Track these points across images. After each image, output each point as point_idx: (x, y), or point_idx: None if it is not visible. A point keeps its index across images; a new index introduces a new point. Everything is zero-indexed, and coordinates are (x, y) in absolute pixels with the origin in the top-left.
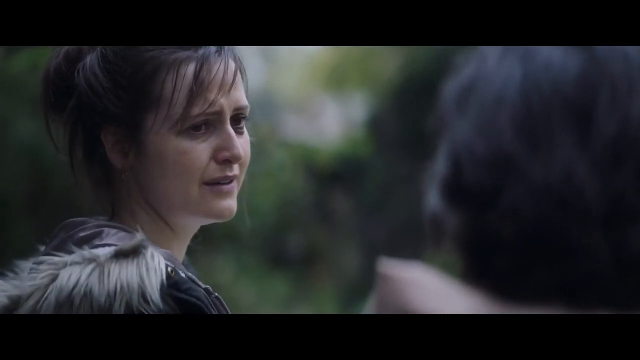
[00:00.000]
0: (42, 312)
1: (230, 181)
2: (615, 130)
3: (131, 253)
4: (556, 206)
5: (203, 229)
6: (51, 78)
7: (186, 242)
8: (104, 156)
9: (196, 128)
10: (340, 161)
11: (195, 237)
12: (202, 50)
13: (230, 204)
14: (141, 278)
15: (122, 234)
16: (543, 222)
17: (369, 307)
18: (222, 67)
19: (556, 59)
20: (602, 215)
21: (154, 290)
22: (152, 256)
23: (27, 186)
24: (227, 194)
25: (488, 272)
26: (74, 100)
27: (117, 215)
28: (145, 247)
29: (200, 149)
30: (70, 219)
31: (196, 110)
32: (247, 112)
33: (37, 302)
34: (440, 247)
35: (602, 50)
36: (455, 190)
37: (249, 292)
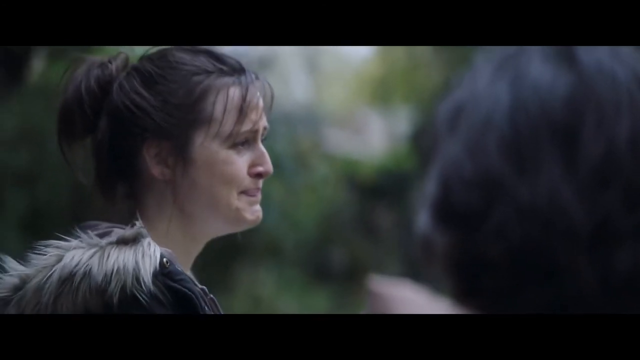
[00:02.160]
0: (46, 289)
1: (258, 191)
2: (602, 153)
3: (131, 240)
4: (542, 228)
5: (245, 243)
6: (85, 100)
7: (194, 256)
8: (139, 168)
9: (239, 144)
10: (383, 175)
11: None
12: (243, 77)
13: (260, 209)
14: (136, 262)
15: None
16: (530, 244)
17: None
18: (260, 92)
19: (544, 80)
20: (588, 237)
21: (147, 275)
22: (149, 244)
23: (67, 197)
24: (257, 202)
25: (476, 292)
26: (107, 119)
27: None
28: (144, 236)
29: (242, 162)
30: (87, 221)
31: (244, 128)
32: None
33: (42, 279)
34: (430, 267)
35: (590, 70)
36: (444, 210)
37: (291, 306)
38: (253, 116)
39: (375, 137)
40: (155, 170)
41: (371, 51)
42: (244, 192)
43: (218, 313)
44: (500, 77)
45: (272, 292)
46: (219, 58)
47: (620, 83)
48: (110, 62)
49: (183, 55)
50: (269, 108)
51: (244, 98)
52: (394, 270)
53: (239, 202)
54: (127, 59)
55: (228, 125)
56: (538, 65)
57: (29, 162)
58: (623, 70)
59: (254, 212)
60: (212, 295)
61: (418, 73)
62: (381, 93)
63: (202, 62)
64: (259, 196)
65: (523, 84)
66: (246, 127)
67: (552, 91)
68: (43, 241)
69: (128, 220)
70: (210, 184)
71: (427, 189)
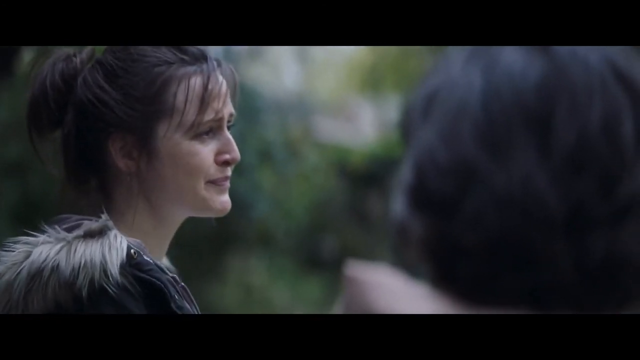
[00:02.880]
0: (16, 285)
1: (227, 180)
2: (575, 139)
3: (97, 234)
4: (517, 214)
5: (236, 232)
6: (49, 95)
7: (169, 239)
8: (105, 162)
9: (203, 133)
10: (374, 163)
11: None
12: (205, 65)
13: (228, 199)
14: (103, 255)
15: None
16: (505, 230)
17: (337, 309)
18: (222, 79)
19: (517, 67)
20: (562, 224)
21: (114, 267)
22: (115, 237)
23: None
24: (225, 191)
25: (453, 278)
26: (72, 114)
27: (109, 216)
28: (110, 229)
29: (207, 151)
30: (58, 216)
31: (206, 117)
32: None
33: (11, 276)
34: (407, 253)
35: (563, 57)
36: (420, 197)
37: (284, 294)
38: (215, 104)
39: (365, 125)
40: (121, 163)
41: None
42: (211, 181)
43: (190, 301)
44: (473, 63)
45: (263, 281)
46: (180, 48)
47: (593, 69)
48: (75, 55)
49: (144, 47)
50: (233, 94)
51: (205, 87)
52: (385, 257)
53: (206, 191)
54: (93, 52)
55: (190, 115)
56: (511, 51)
57: (20, 153)
58: (596, 57)
59: (221, 202)
60: (183, 284)
61: (408, 61)
62: (372, 81)
63: (163, 52)
64: (227, 184)
65: (496, 70)
66: (209, 116)
67: (525, 77)
68: (11, 238)
69: (100, 213)
70: (174, 176)
71: (403, 176)
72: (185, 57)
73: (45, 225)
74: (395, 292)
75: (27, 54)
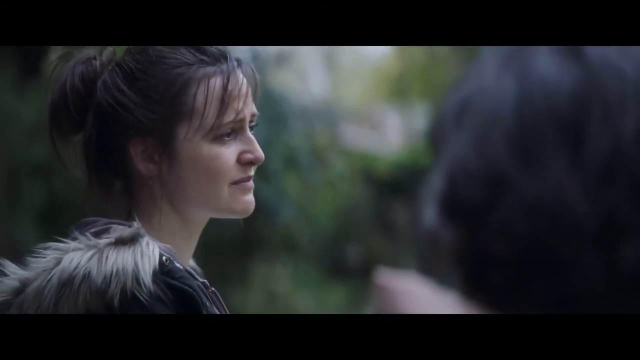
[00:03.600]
0: (46, 292)
1: (250, 179)
2: (607, 148)
3: (129, 241)
4: (548, 223)
5: (261, 238)
6: (69, 98)
7: (196, 239)
8: (128, 165)
9: (224, 135)
10: (400, 170)
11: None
12: (225, 65)
13: (252, 198)
14: (135, 263)
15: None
16: (535, 239)
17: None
18: (243, 79)
19: (550, 74)
20: (593, 233)
21: (146, 275)
22: (148, 244)
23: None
24: (250, 190)
25: (482, 287)
26: (93, 117)
27: (132, 220)
28: (142, 236)
29: (228, 153)
30: (85, 218)
31: (226, 119)
32: (256, 117)
33: (42, 282)
34: (437, 262)
35: (596, 64)
36: (451, 205)
37: (308, 301)
38: (236, 105)
39: (392, 132)
40: (142, 166)
41: (389, 48)
42: (234, 182)
43: (220, 306)
44: (507, 71)
45: (288, 288)
46: (199, 48)
47: (627, 77)
48: (95, 58)
49: (163, 49)
50: (254, 94)
51: (225, 87)
52: (409, 265)
53: (230, 194)
54: (113, 54)
55: (210, 117)
56: (544, 59)
57: (45, 155)
58: (630, 65)
59: (245, 202)
60: (213, 289)
61: (435, 69)
62: (398, 89)
63: (182, 54)
64: (251, 184)
65: (529, 78)
66: (229, 117)
67: (558, 85)
68: (41, 244)
69: (125, 216)
70: (196, 179)
71: (434, 184)
72: (205, 58)
73: (75, 231)
74: (425, 300)
75: (55, 57)
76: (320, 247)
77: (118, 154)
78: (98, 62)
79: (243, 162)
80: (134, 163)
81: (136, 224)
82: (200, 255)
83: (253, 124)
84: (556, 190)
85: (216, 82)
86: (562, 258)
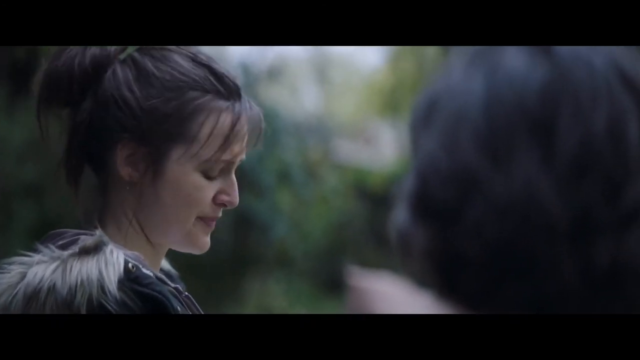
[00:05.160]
0: (13, 307)
1: (214, 221)
2: (578, 144)
3: (92, 250)
4: (520, 222)
5: (255, 254)
6: (75, 76)
7: (162, 256)
8: (109, 163)
9: (213, 171)
10: (394, 184)
11: None
12: (238, 104)
13: (208, 241)
14: (100, 272)
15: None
16: (507, 239)
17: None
18: (247, 123)
19: (519, 71)
20: (566, 230)
21: (112, 283)
22: (112, 252)
23: (75, 209)
24: (209, 232)
25: (455, 287)
26: (91, 103)
27: (102, 223)
28: (105, 244)
29: (210, 188)
30: (53, 230)
31: (224, 157)
32: None
33: (8, 298)
34: (409, 262)
35: (566, 60)
36: (421, 205)
37: None
38: (236, 148)
39: (385, 147)
40: (124, 171)
41: (380, 62)
42: (202, 218)
43: (196, 310)
44: (475, 68)
45: (282, 303)
46: (218, 77)
47: (598, 72)
48: (113, 52)
49: (184, 64)
50: (255, 141)
51: (232, 127)
52: (405, 280)
53: (194, 227)
54: (135, 54)
55: (209, 150)
56: (512, 56)
57: (36, 175)
58: (601, 59)
59: (203, 242)
60: (187, 293)
61: (426, 81)
62: (391, 103)
63: (201, 77)
64: (213, 226)
65: (497, 75)
66: (226, 156)
67: (527, 82)
68: (6, 259)
69: (95, 218)
70: (172, 202)
71: (405, 184)
72: (221, 89)
73: (39, 244)
74: (399, 301)
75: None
76: (315, 263)
77: (104, 150)
78: (113, 50)
79: (217, 202)
80: (116, 164)
81: (98, 232)
82: (194, 271)
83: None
84: (527, 188)
85: (226, 119)
86: (536, 257)
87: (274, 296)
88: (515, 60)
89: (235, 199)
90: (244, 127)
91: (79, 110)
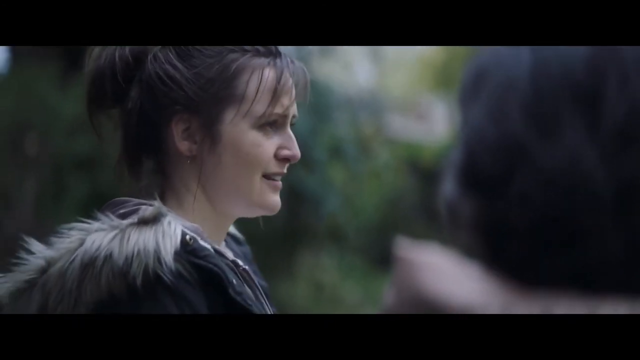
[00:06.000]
0: (69, 273)
1: (280, 176)
2: (625, 115)
3: (151, 220)
4: (565, 192)
5: (307, 229)
6: (118, 68)
7: (226, 229)
8: (167, 141)
9: (268, 126)
10: (446, 160)
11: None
12: (279, 60)
13: (279, 199)
14: (157, 243)
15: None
16: (553, 208)
17: (387, 290)
18: (293, 78)
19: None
20: (611, 201)
21: (168, 254)
22: (169, 223)
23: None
24: (278, 190)
25: (502, 257)
26: (138, 89)
27: (163, 201)
28: (164, 215)
29: (269, 144)
30: (115, 198)
31: (275, 110)
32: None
33: (65, 263)
34: (457, 233)
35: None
36: (469, 176)
37: (354, 292)
38: (285, 100)
39: (437, 122)
40: (182, 145)
41: None
42: (266, 176)
43: (253, 284)
44: None
45: (334, 279)
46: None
47: None
48: None
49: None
50: (304, 94)
51: (278, 80)
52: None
53: (261, 186)
54: None
55: (260, 106)
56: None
57: (89, 148)
58: None
59: (274, 200)
60: (245, 267)
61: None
62: (443, 79)
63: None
64: (280, 185)
65: (544, 47)
66: (278, 110)
67: (574, 53)
68: (66, 224)
69: (158, 196)
70: (234, 164)
71: (453, 156)
72: (260, 49)
73: (99, 212)
74: (445, 272)
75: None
76: (366, 238)
77: (158, 130)
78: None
79: (280, 157)
80: (173, 141)
81: (157, 203)
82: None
83: (292, 125)
84: (573, 158)
85: (269, 74)
86: (581, 227)
87: (326, 270)
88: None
89: (297, 151)
90: (288, 80)
91: (128, 100)
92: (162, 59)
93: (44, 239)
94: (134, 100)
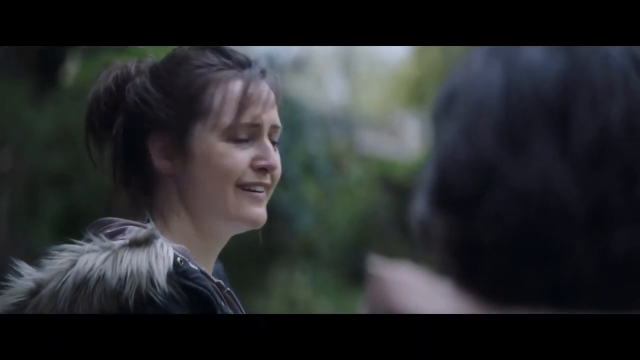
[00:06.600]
0: (62, 294)
1: (262, 190)
2: (595, 133)
3: (143, 242)
4: (537, 211)
5: (280, 245)
6: (102, 98)
7: (214, 254)
8: (148, 162)
9: (240, 138)
10: (418, 176)
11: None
12: (247, 71)
13: (263, 211)
14: (150, 264)
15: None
16: (525, 227)
17: (361, 308)
18: (265, 87)
19: (537, 62)
20: (583, 220)
21: (161, 276)
22: (162, 245)
23: (102, 199)
24: (260, 201)
25: (475, 276)
26: (121, 116)
27: (152, 221)
28: (156, 237)
29: (241, 155)
30: (101, 218)
31: (242, 120)
32: (279, 133)
33: (57, 284)
34: (429, 251)
35: (583, 51)
36: (441, 195)
37: (327, 308)
38: (254, 110)
39: (410, 138)
40: (159, 164)
41: (406, 53)
42: (242, 186)
43: (236, 306)
44: (494, 60)
45: (307, 295)
46: (224, 53)
47: (614, 62)
48: (132, 64)
49: (190, 52)
50: (273, 104)
51: (244, 91)
52: (430, 270)
53: (237, 198)
54: (152, 63)
55: (226, 117)
56: (531, 47)
57: (64, 164)
58: (618, 51)
59: (254, 212)
60: (228, 289)
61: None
62: (417, 94)
63: (208, 57)
64: (262, 195)
65: (516, 66)
66: (245, 119)
67: (545, 72)
68: (57, 246)
69: (146, 216)
70: (206, 177)
71: (424, 174)
72: (228, 62)
73: (89, 232)
74: (418, 290)
75: (72, 66)
76: (340, 254)
77: (140, 152)
78: (134, 68)
79: (255, 167)
80: (152, 161)
81: (150, 225)
82: (220, 261)
83: (275, 137)
84: (545, 178)
85: (235, 85)
86: (554, 246)
87: (299, 287)
88: (533, 51)
89: (273, 160)
90: (256, 90)
91: (114, 127)
92: (138, 84)
93: (17, 254)
94: (118, 126)
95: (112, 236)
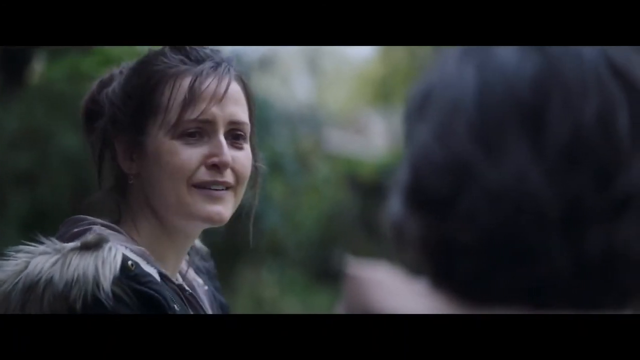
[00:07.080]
0: (13, 296)
1: (222, 188)
2: (569, 134)
3: (93, 246)
4: (512, 211)
5: (246, 244)
6: (87, 105)
7: (183, 250)
8: (117, 163)
9: (189, 135)
10: (385, 174)
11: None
12: (200, 65)
13: (220, 209)
14: (96, 269)
15: (109, 232)
16: (500, 227)
17: (337, 307)
18: (215, 80)
19: (511, 63)
20: (558, 219)
21: (106, 281)
22: (110, 250)
23: (68, 198)
24: (216, 200)
25: (450, 275)
26: (102, 120)
27: (122, 220)
28: (105, 241)
29: (190, 152)
30: (72, 217)
31: (188, 116)
32: (246, 129)
33: (9, 286)
34: (404, 251)
35: (557, 52)
36: (415, 196)
37: (294, 307)
38: (202, 105)
39: (376, 136)
40: (124, 164)
41: (372, 52)
42: (195, 185)
43: (199, 308)
44: (467, 61)
45: (274, 293)
46: (184, 51)
47: (588, 63)
48: (118, 68)
49: (152, 53)
50: (233, 99)
51: (191, 86)
52: (400, 269)
53: (190, 197)
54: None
55: (173, 113)
56: (504, 48)
57: (30, 163)
58: (591, 51)
59: (208, 211)
60: (190, 291)
61: (419, 73)
62: (382, 93)
63: (167, 55)
64: (218, 193)
65: (489, 67)
66: (192, 115)
67: (518, 73)
68: (15, 247)
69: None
70: (160, 176)
71: (398, 175)
72: (186, 59)
73: (60, 230)
74: (394, 289)
75: (38, 65)
76: (306, 252)
77: (111, 153)
78: (118, 72)
79: (207, 165)
80: (118, 160)
81: (98, 229)
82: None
83: (239, 132)
84: (519, 178)
85: (183, 81)
86: (529, 245)
87: (266, 285)
88: (507, 52)
89: (224, 157)
90: (205, 85)
91: (97, 130)
92: (109, 91)
93: None
94: (98, 131)
95: (77, 236)
